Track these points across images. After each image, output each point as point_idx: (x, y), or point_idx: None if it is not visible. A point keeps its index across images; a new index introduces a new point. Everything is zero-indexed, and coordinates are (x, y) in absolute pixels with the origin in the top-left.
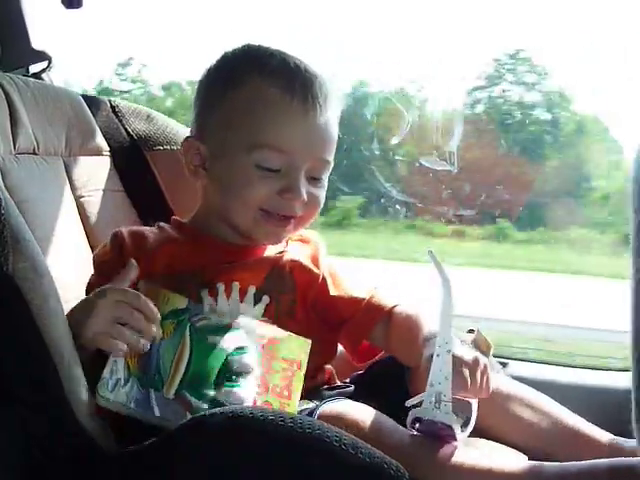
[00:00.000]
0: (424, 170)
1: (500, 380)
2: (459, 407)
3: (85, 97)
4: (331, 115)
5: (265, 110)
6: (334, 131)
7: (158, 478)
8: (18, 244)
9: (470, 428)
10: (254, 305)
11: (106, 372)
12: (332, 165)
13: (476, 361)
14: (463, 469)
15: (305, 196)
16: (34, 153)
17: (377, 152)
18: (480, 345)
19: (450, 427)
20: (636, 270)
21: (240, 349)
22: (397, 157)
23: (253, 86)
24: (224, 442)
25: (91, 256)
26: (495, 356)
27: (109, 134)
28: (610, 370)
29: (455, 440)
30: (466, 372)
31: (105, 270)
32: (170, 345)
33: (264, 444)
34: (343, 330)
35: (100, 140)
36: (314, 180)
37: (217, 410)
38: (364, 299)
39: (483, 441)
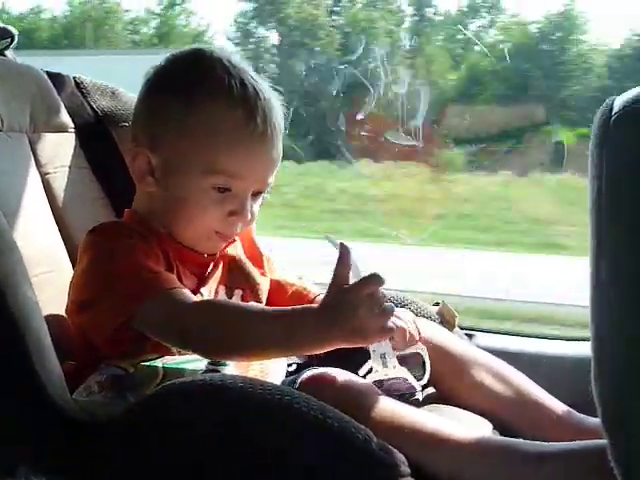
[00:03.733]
0: None
1: (468, 349)
2: (413, 362)
3: (49, 74)
4: (280, 141)
5: (226, 137)
6: (281, 155)
7: (129, 445)
8: None
9: (427, 376)
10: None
11: (80, 389)
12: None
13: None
14: (423, 434)
15: (250, 216)
16: None
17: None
18: (445, 316)
19: (405, 379)
20: (596, 242)
21: (218, 362)
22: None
23: (215, 110)
24: (195, 409)
25: (57, 231)
26: (461, 328)
27: (74, 110)
28: (574, 340)
29: (415, 389)
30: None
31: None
32: (143, 375)
33: (235, 410)
34: None
35: (65, 117)
36: (256, 196)
37: (187, 379)
38: (292, 285)
39: (450, 408)
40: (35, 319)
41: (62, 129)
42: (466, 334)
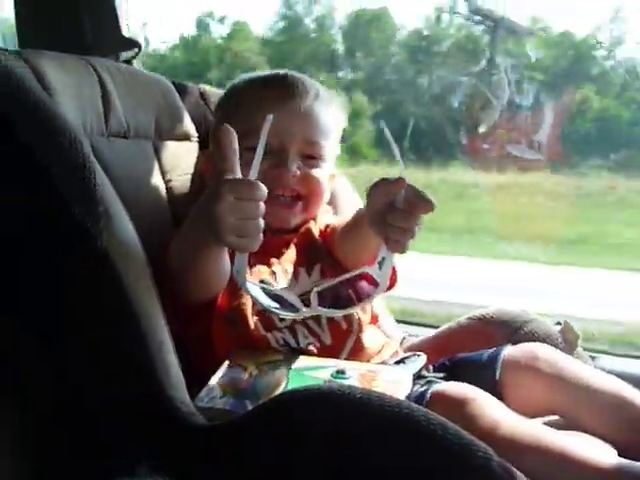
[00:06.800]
0: None
1: (593, 374)
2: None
3: (174, 83)
4: (314, 104)
5: (252, 103)
6: (320, 118)
7: (248, 451)
8: (112, 220)
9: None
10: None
11: (203, 393)
12: (326, 148)
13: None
14: (550, 453)
15: (296, 171)
16: (125, 136)
17: None
18: (568, 336)
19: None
20: None
21: (342, 373)
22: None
23: (240, 91)
24: (312, 418)
25: None
26: (584, 349)
27: (197, 120)
28: None
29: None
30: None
31: None
32: (265, 380)
33: (351, 421)
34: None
35: (189, 126)
36: (309, 160)
37: (307, 386)
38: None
39: (575, 433)
40: (158, 323)
41: (185, 138)
42: (589, 356)
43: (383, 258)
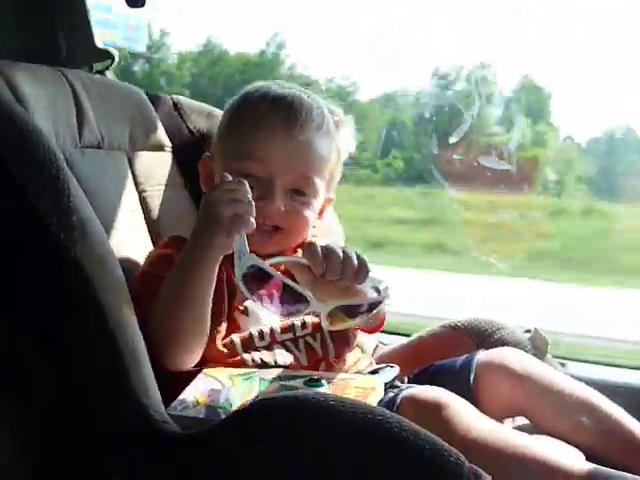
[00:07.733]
0: None
1: (558, 378)
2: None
3: (148, 94)
4: (315, 137)
5: (252, 123)
6: (318, 152)
7: (222, 460)
8: (86, 231)
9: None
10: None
11: (176, 403)
12: (318, 184)
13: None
14: (525, 460)
15: (281, 205)
16: (99, 147)
17: None
18: (538, 343)
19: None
20: None
21: (314, 381)
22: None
23: (248, 104)
24: (286, 425)
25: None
26: (554, 356)
27: (171, 131)
28: None
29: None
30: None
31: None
32: (239, 390)
33: (324, 428)
34: None
35: (162, 136)
36: (297, 194)
37: (281, 394)
38: None
39: (543, 437)
40: (133, 334)
41: (159, 148)
42: (558, 362)
43: (373, 288)
